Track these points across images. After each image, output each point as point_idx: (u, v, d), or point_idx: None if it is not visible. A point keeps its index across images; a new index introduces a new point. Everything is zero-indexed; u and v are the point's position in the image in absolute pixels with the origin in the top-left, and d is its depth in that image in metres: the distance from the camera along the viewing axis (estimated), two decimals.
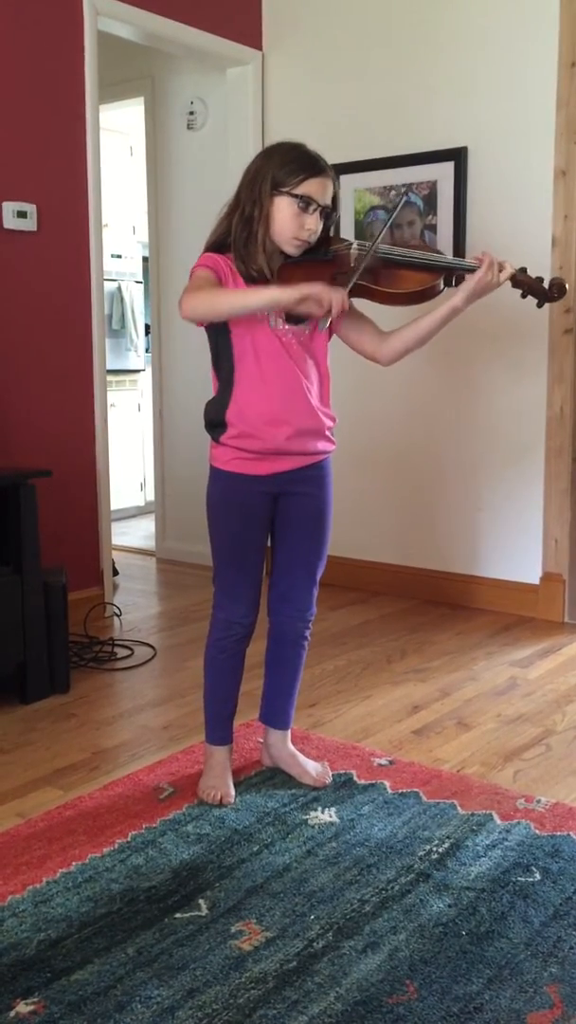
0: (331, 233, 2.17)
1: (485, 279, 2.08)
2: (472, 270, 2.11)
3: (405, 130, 3.93)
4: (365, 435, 4.15)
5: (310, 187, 2.05)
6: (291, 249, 2.10)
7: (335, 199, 2.12)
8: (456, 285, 2.13)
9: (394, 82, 3.96)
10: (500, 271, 2.10)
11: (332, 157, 3.95)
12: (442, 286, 2.13)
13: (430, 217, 3.88)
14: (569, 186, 3.57)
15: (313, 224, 2.07)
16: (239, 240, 2.09)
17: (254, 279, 2.08)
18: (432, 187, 3.87)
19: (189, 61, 4.45)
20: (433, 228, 3.88)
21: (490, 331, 3.77)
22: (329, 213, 2.10)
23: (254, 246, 2.07)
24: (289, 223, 2.06)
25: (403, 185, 3.92)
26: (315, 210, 2.06)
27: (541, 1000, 1.58)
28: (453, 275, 2.14)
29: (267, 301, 1.99)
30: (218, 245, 2.14)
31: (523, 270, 2.16)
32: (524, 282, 2.16)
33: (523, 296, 2.19)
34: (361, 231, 4.02)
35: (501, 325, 3.73)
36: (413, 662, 3.31)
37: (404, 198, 2.13)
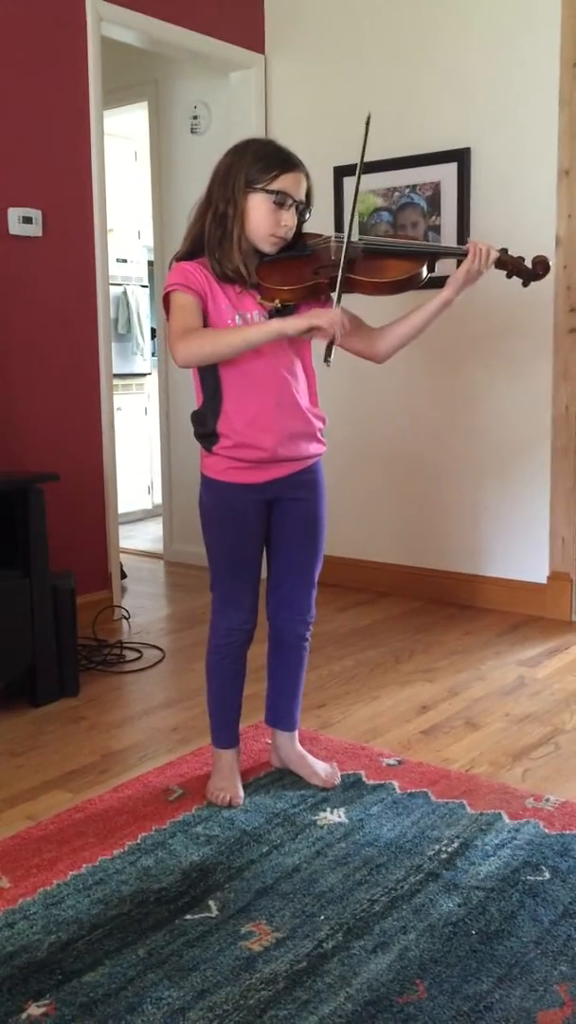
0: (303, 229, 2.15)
1: (474, 268, 2.08)
2: (457, 254, 2.11)
3: (408, 132, 3.93)
4: (371, 436, 4.15)
5: (285, 182, 2.03)
6: (267, 247, 2.08)
7: (309, 194, 2.10)
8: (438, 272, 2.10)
9: (396, 84, 3.97)
10: (487, 257, 2.08)
11: (335, 159, 4.06)
12: (426, 273, 2.11)
13: (434, 218, 3.89)
14: (572, 185, 3.57)
15: (289, 220, 2.06)
16: (213, 239, 2.07)
17: (231, 279, 2.07)
18: (435, 188, 3.87)
19: (192, 65, 4.46)
20: (437, 229, 3.88)
21: (494, 330, 3.77)
22: (303, 209, 2.09)
23: (229, 245, 2.06)
24: (265, 220, 2.04)
25: (407, 186, 3.93)
26: (291, 206, 2.05)
27: (551, 998, 1.58)
28: (435, 261, 2.13)
29: (272, 334, 1.96)
30: (192, 251, 2.12)
31: (504, 251, 2.14)
32: (508, 262, 2.14)
33: (508, 277, 2.18)
34: (366, 232, 4.02)
35: (505, 324, 3.73)
36: (421, 662, 3.31)
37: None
